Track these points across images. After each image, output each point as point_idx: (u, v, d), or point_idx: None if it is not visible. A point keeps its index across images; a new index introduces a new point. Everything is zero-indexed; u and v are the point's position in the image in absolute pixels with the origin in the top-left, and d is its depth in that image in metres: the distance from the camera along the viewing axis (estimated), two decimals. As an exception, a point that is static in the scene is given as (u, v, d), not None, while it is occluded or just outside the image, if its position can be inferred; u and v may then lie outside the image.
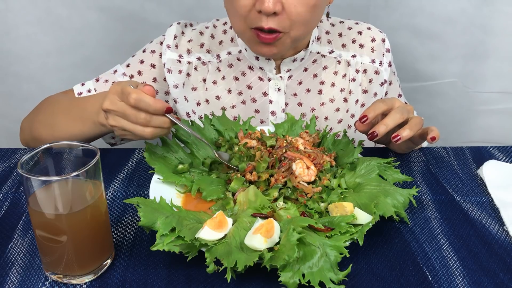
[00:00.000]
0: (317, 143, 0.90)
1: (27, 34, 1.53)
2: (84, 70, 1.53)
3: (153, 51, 1.06)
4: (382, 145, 0.99)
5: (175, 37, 1.05)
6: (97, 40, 1.56)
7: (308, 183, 0.79)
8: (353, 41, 1.08)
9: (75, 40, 1.55)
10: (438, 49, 1.55)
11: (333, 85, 1.07)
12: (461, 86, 1.60)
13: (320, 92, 1.07)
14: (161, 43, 1.06)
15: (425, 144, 1.06)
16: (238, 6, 0.88)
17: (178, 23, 1.07)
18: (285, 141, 0.85)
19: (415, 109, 0.90)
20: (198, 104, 1.06)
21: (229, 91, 1.06)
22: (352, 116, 1.08)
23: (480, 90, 1.60)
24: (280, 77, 1.05)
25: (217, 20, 1.10)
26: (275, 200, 0.77)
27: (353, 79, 1.07)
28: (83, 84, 1.04)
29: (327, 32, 1.09)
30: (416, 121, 0.85)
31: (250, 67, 1.06)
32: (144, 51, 1.07)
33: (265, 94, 1.06)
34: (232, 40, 1.06)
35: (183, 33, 1.07)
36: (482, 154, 0.97)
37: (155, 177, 0.80)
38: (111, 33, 1.55)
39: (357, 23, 1.11)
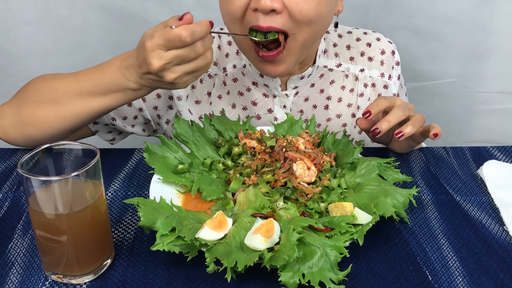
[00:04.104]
0: (317, 143, 0.90)
1: (27, 34, 1.53)
2: (84, 70, 1.53)
3: None
4: (382, 145, 0.99)
5: None
6: (98, 40, 1.56)
7: (308, 183, 0.79)
8: (362, 54, 1.05)
9: (75, 40, 1.55)
10: (438, 49, 1.55)
11: (340, 100, 1.04)
12: (461, 86, 1.60)
13: (326, 107, 1.04)
14: None
15: (424, 144, 1.06)
16: (233, 9, 0.84)
17: None
18: (285, 141, 0.84)
19: (416, 109, 0.90)
20: (201, 118, 1.03)
21: (234, 106, 1.03)
22: (360, 132, 1.05)
23: (480, 90, 1.60)
24: (286, 94, 1.02)
25: (221, 29, 1.06)
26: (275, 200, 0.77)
27: (361, 94, 1.04)
28: None
29: (335, 45, 1.05)
30: (418, 118, 0.85)
31: (254, 83, 1.02)
32: None
33: (270, 111, 1.03)
34: (237, 52, 1.03)
35: None
36: (482, 154, 0.97)
37: (155, 177, 0.80)
38: (111, 33, 1.55)
39: (365, 33, 1.07)
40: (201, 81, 1.03)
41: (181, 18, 0.71)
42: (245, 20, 0.84)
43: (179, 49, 0.71)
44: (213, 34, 1.05)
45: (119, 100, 0.83)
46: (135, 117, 1.02)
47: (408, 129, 0.82)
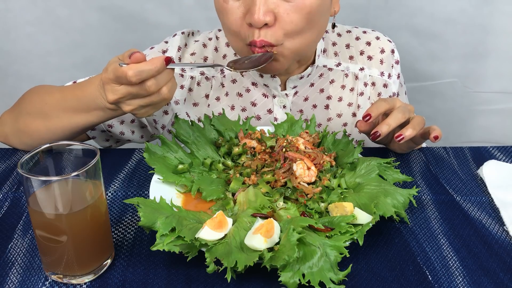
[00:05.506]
0: (317, 143, 0.90)
1: (27, 34, 1.53)
2: (84, 70, 1.53)
3: None
4: (382, 145, 0.99)
5: (179, 49, 1.01)
6: (97, 40, 1.56)
7: (308, 183, 0.79)
8: (361, 53, 1.05)
9: (75, 40, 1.56)
10: (438, 49, 1.55)
11: (340, 99, 1.04)
12: (461, 86, 1.60)
13: (327, 107, 1.04)
14: (163, 52, 1.01)
15: (424, 144, 1.06)
16: (229, 23, 0.85)
17: (182, 33, 1.03)
18: (285, 141, 0.84)
19: (415, 109, 0.90)
20: (199, 121, 1.02)
21: (233, 108, 1.03)
22: (361, 132, 1.06)
23: (480, 90, 1.60)
24: (286, 94, 1.02)
25: (219, 30, 1.06)
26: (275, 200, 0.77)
27: (361, 93, 1.04)
28: (75, 82, 1.00)
29: (334, 44, 1.05)
30: (418, 120, 0.84)
31: (253, 84, 1.02)
32: None
33: (269, 111, 1.03)
34: (235, 54, 1.02)
35: (186, 45, 1.03)
36: (482, 154, 0.97)
37: (155, 177, 0.80)
38: (111, 33, 1.55)
39: (365, 32, 1.07)
40: (198, 84, 1.02)
41: (131, 56, 0.71)
42: (242, 33, 0.85)
43: (129, 86, 0.72)
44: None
45: (100, 118, 0.84)
46: (132, 121, 1.02)
47: (408, 132, 0.82)
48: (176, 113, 1.03)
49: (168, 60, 0.72)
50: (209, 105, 1.03)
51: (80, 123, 0.85)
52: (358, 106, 1.05)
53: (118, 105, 0.76)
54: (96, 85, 0.80)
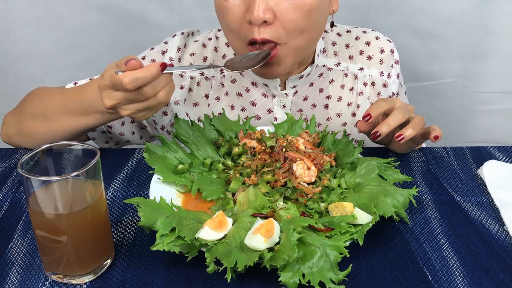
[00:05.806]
0: (317, 143, 0.90)
1: (27, 34, 1.53)
2: (84, 70, 1.54)
3: (153, 61, 1.01)
4: (382, 145, 0.99)
5: (179, 49, 1.01)
6: (97, 40, 1.56)
7: (309, 183, 0.79)
8: (361, 53, 1.05)
9: (75, 40, 1.56)
10: (438, 49, 1.55)
11: (339, 99, 1.04)
12: (461, 86, 1.60)
13: (326, 106, 1.04)
14: (163, 53, 1.02)
15: (424, 144, 1.06)
16: (229, 21, 0.85)
17: (181, 33, 1.03)
18: (285, 141, 0.84)
19: (415, 109, 0.90)
20: (199, 121, 1.02)
21: (232, 108, 1.03)
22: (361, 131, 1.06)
23: (480, 90, 1.60)
24: (285, 94, 1.02)
25: (219, 30, 1.06)
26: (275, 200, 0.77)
27: (361, 93, 1.04)
28: (75, 83, 1.00)
29: (334, 43, 1.05)
30: (418, 120, 0.85)
31: (253, 83, 1.02)
32: (143, 58, 1.02)
33: (269, 111, 1.03)
34: (235, 54, 1.01)
35: (185, 45, 1.03)
36: (482, 154, 0.97)
37: (155, 177, 0.80)
38: (111, 33, 1.55)
39: (364, 32, 1.07)
40: (198, 84, 1.03)
41: (127, 63, 0.72)
42: (242, 32, 0.85)
43: (126, 93, 0.73)
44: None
45: (99, 120, 0.85)
46: (132, 121, 1.02)
47: (408, 132, 0.82)
48: (176, 113, 1.03)
49: (164, 66, 0.72)
50: (209, 105, 1.03)
51: (80, 125, 0.87)
52: (358, 106, 1.05)
53: (116, 110, 0.77)
54: (95, 89, 0.81)
